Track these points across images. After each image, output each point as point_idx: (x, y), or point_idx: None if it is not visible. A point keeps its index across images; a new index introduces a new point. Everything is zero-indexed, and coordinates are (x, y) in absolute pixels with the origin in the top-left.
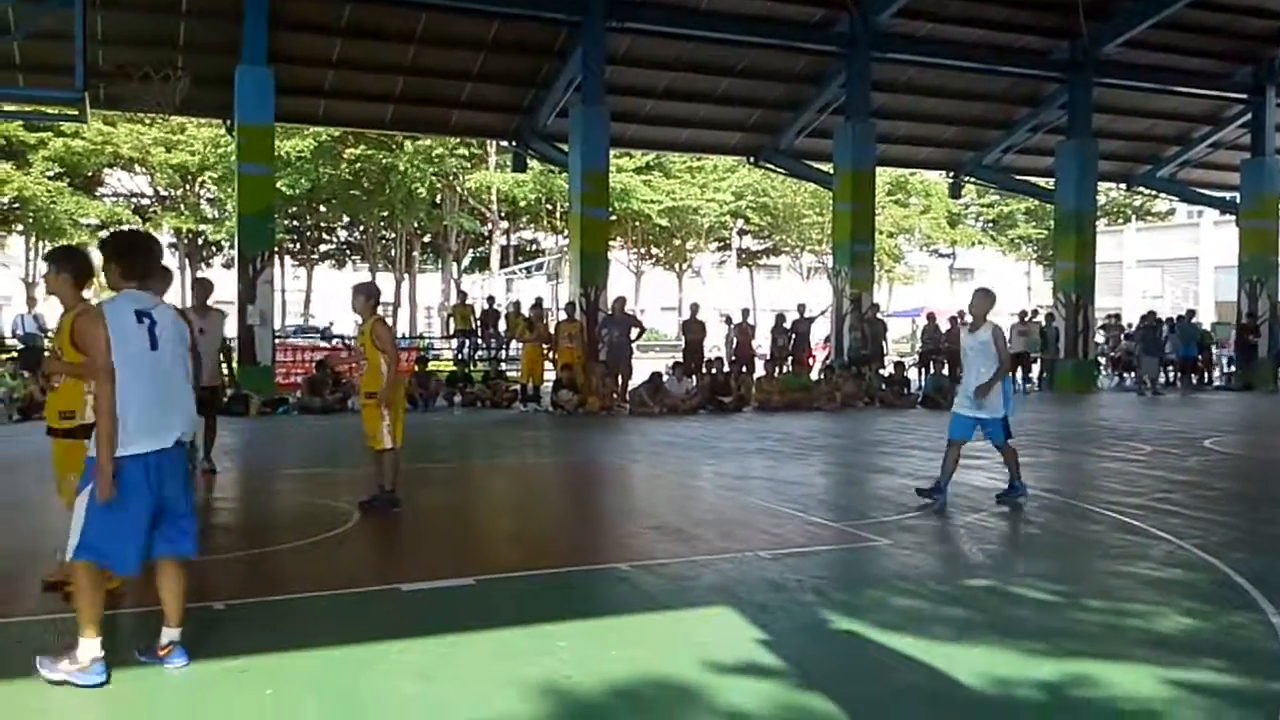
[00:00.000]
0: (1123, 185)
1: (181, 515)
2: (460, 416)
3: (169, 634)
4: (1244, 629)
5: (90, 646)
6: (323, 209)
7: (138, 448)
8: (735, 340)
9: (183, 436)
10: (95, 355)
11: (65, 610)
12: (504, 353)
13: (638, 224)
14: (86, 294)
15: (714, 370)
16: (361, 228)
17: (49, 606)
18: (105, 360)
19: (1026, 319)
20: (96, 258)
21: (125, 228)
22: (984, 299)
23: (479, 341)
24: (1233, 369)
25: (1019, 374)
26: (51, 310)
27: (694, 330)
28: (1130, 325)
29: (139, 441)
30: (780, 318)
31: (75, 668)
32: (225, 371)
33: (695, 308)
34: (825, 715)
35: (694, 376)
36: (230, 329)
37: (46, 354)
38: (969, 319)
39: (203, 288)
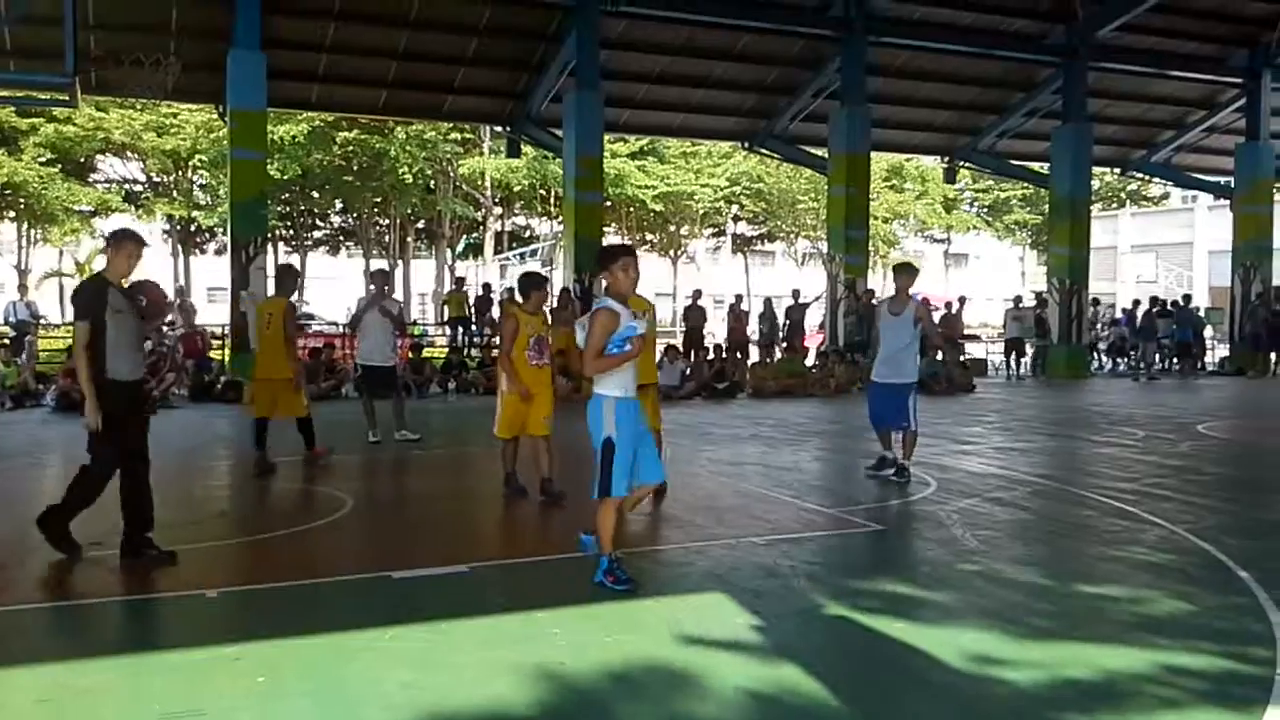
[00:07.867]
0: (1117, 170)
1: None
2: (455, 403)
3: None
4: (1235, 612)
5: None
6: (315, 195)
7: None
8: (729, 326)
9: None
10: None
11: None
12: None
13: (632, 210)
14: None
15: (721, 354)
16: (355, 213)
17: (40, 596)
18: None
19: (1020, 305)
20: None
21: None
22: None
23: (473, 328)
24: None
25: (1012, 359)
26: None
27: (695, 316)
28: (1124, 312)
29: None
30: (768, 302)
31: None
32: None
33: (698, 294)
34: (818, 699)
35: (690, 361)
36: (224, 316)
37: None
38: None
39: (385, 278)
